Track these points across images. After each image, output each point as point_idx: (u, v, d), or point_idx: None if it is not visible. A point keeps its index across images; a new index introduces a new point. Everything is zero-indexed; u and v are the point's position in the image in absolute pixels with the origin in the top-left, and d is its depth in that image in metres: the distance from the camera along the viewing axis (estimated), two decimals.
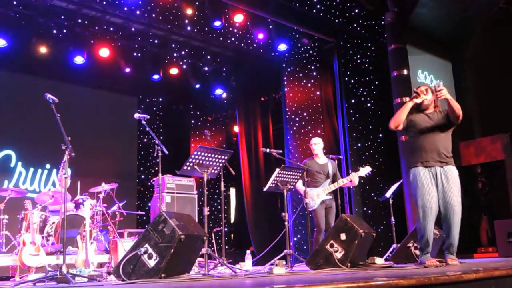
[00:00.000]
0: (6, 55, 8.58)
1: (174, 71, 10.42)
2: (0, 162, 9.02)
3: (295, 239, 9.28)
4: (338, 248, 4.75)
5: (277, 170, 5.78)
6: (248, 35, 9.97)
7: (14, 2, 7.97)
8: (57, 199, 6.68)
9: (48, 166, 9.50)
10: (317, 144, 6.87)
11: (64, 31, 8.76)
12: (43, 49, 8.65)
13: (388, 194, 7.54)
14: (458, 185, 4.66)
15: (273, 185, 5.80)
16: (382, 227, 8.56)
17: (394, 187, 7.58)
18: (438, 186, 4.63)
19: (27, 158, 9.28)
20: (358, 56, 9.67)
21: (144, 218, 10.11)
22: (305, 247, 8.96)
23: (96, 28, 8.90)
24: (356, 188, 8.70)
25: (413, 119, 4.79)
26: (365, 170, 6.85)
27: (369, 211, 8.94)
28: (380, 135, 9.34)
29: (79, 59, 9.12)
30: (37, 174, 9.42)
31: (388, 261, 5.95)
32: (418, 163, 4.71)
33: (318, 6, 9.14)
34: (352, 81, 9.55)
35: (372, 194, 8.89)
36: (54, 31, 8.68)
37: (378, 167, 9.02)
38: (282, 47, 9.87)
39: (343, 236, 4.77)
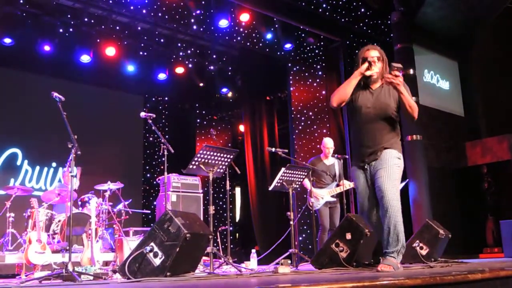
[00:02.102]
0: (12, 54, 8.61)
1: (180, 70, 10.44)
2: (6, 160, 9.06)
3: (300, 238, 9.28)
4: (343, 248, 4.74)
5: (283, 169, 5.78)
6: (254, 34, 9.97)
7: (21, 1, 8.01)
8: (63, 197, 6.70)
9: (54, 164, 9.54)
10: (332, 148, 6.85)
11: (71, 29, 8.79)
12: (49, 48, 8.68)
13: None
14: (389, 168, 3.74)
15: (279, 184, 5.80)
16: None
17: (399, 187, 7.54)
18: (372, 180, 3.84)
19: (33, 156, 9.31)
20: None
21: (150, 216, 10.13)
22: (310, 247, 8.96)
23: (102, 27, 8.92)
24: None
25: (354, 94, 3.93)
26: None
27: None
28: None
29: (85, 58, 9.15)
30: (43, 172, 9.45)
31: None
32: (354, 160, 4.03)
33: (324, 5, 9.13)
34: None
35: None
36: (61, 30, 8.70)
37: None
38: (288, 46, 9.87)
39: (348, 236, 4.76)
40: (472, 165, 9.83)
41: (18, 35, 8.42)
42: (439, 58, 10.25)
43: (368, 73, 3.83)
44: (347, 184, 6.72)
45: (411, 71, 8.96)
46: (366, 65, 3.83)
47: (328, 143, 6.88)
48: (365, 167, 3.89)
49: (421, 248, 5.73)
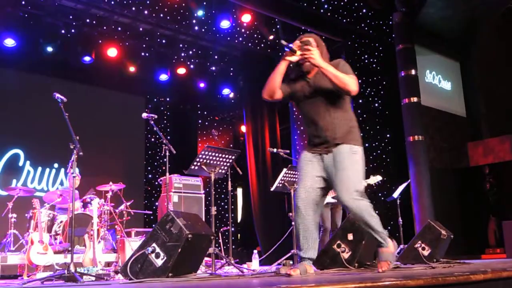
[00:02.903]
0: (15, 55, 8.63)
1: (181, 71, 10.44)
2: (9, 161, 9.07)
3: None
4: (345, 249, 4.73)
5: (284, 170, 5.79)
6: (255, 35, 9.97)
7: (23, 2, 8.02)
8: (65, 198, 6.71)
9: (56, 165, 9.55)
10: None
11: (73, 30, 8.80)
12: (51, 49, 8.69)
13: (396, 194, 7.52)
14: (349, 169, 3.47)
15: (280, 185, 5.81)
16: (389, 228, 8.52)
17: (401, 188, 7.55)
18: (326, 175, 3.59)
19: (35, 157, 9.32)
20: (366, 56, 9.65)
21: (152, 217, 10.14)
22: None
23: (104, 28, 8.93)
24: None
25: (292, 86, 3.72)
26: (375, 179, 6.76)
27: (376, 212, 8.86)
28: (388, 135, 9.32)
29: (87, 59, 9.16)
30: (45, 173, 9.46)
31: (395, 262, 5.93)
32: (306, 145, 3.74)
33: (325, 6, 9.13)
34: (360, 81, 9.42)
35: (380, 194, 8.86)
36: (63, 31, 8.72)
37: (386, 167, 9.01)
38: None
39: (350, 237, 4.76)
40: (474, 165, 9.82)
41: (20, 36, 8.43)
42: (441, 59, 10.25)
43: (292, 58, 3.55)
44: (367, 182, 6.71)
45: (413, 72, 8.96)
46: (288, 51, 3.57)
47: None
48: (317, 155, 3.61)
49: (423, 248, 5.73)
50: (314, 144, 3.62)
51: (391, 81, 9.31)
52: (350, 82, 3.46)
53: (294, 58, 3.55)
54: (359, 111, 9.33)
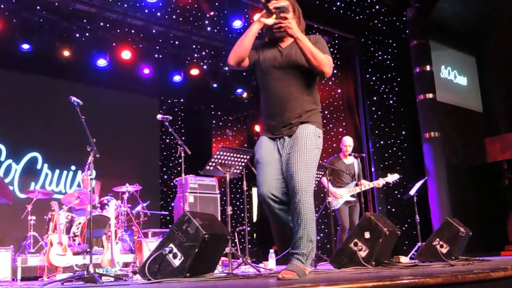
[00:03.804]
0: (30, 59, 8.73)
1: (194, 71, 10.48)
2: (27, 164, 9.19)
3: (318, 238, 9.25)
4: (362, 247, 4.71)
5: None
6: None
7: (38, 7, 8.11)
8: (83, 200, 6.78)
9: (73, 167, 9.65)
10: (350, 146, 6.84)
11: (87, 34, 8.88)
12: (66, 53, 8.79)
13: (412, 192, 7.47)
14: (309, 152, 3.04)
15: None
16: (406, 226, 8.47)
17: (418, 185, 7.50)
18: (282, 160, 3.14)
19: (53, 160, 9.44)
20: (380, 52, 9.59)
21: (168, 218, 10.20)
22: (328, 246, 8.92)
23: (118, 30, 9.00)
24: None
25: (260, 52, 3.27)
26: (393, 177, 6.74)
27: (393, 209, 8.86)
28: (403, 132, 9.24)
29: (101, 62, 9.25)
30: (62, 175, 9.57)
31: (413, 260, 5.89)
32: (264, 131, 3.28)
33: (338, 3, 9.08)
34: (374, 78, 9.47)
35: (396, 192, 8.80)
36: (77, 35, 8.80)
37: (402, 164, 8.95)
38: None
39: (367, 235, 4.73)
40: (492, 161, 9.70)
41: (36, 41, 8.53)
42: (456, 54, 10.14)
43: (268, 21, 3.09)
44: (367, 184, 6.70)
45: (428, 67, 8.88)
46: (264, 11, 3.12)
47: (347, 141, 6.87)
48: (277, 139, 3.18)
49: (441, 246, 5.68)
50: (276, 126, 3.17)
51: (405, 77, 9.24)
52: (325, 62, 3.06)
53: (270, 21, 3.08)
54: (373, 108, 9.28)
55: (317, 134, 3.14)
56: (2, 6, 7.89)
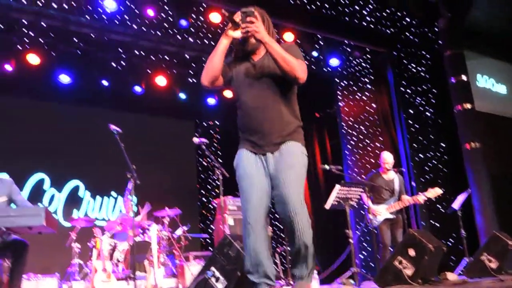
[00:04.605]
0: (71, 90, 9.02)
1: (228, 93, 10.59)
2: (70, 192, 9.43)
3: (361, 256, 9.08)
4: (407, 265, 4.60)
5: (337, 186, 5.71)
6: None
7: (75, 40, 8.39)
8: (125, 226, 6.88)
9: (114, 194, 9.84)
10: (389, 163, 6.73)
11: (123, 63, 9.12)
12: (105, 82, 9.06)
13: (456, 205, 7.26)
14: (298, 170, 2.92)
15: (336, 202, 5.74)
16: (452, 241, 8.22)
17: (461, 198, 7.29)
18: (270, 177, 2.97)
19: (94, 187, 9.65)
20: (413, 64, 9.46)
21: (208, 240, 10.22)
22: (372, 264, 8.75)
23: (152, 58, 9.20)
24: None
25: (233, 68, 3.13)
26: (435, 192, 6.49)
27: (437, 224, 8.62)
28: (443, 144, 9.04)
29: (138, 89, 9.48)
30: (104, 202, 9.77)
31: (461, 276, 5.71)
32: (243, 143, 3.09)
33: (368, 18, 9.04)
34: (409, 90, 9.34)
35: (439, 206, 8.57)
36: (113, 64, 9.05)
37: (443, 178, 8.74)
38: (334, 62, 9.81)
39: (411, 252, 4.62)
40: None
41: (75, 73, 8.85)
42: (493, 62, 9.92)
43: (236, 34, 2.94)
44: (406, 200, 6.54)
45: (464, 77, 8.70)
46: (230, 25, 2.95)
47: (387, 157, 6.75)
48: (259, 154, 3.01)
49: (490, 261, 5.50)
50: (257, 142, 2.99)
51: (441, 88, 9.07)
52: (298, 66, 2.91)
53: (238, 34, 2.93)
54: (410, 121, 9.12)
55: (303, 152, 3.02)
56: (41, 40, 8.20)
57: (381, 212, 6.48)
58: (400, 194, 6.62)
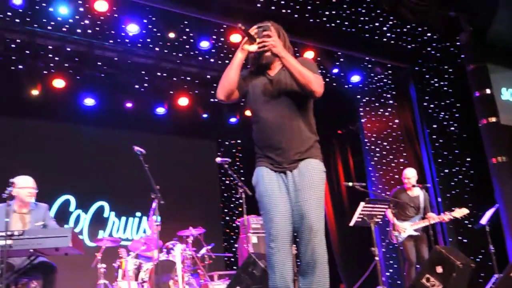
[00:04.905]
0: (95, 113, 9.21)
1: (249, 113, 10.63)
2: (95, 213, 9.55)
3: (388, 273, 8.93)
4: (435, 282, 4.52)
5: (362, 203, 5.67)
6: (319, 70, 9.99)
7: (99, 63, 8.59)
8: (149, 246, 6.92)
9: (138, 214, 9.92)
10: (410, 178, 6.67)
11: (145, 85, 9.28)
12: (128, 104, 9.23)
13: (484, 221, 7.11)
14: (318, 188, 2.91)
15: (360, 219, 5.69)
16: (480, 257, 8.03)
17: (489, 213, 7.14)
18: (290, 196, 2.94)
19: (119, 207, 9.75)
20: (436, 79, 9.39)
21: (232, 259, 10.20)
22: (398, 282, 8.59)
23: (174, 79, 9.34)
24: None
25: (249, 82, 3.11)
26: (461, 212, 6.41)
27: (464, 240, 8.44)
28: (469, 159, 8.90)
29: (160, 110, 9.62)
30: (128, 222, 9.86)
31: None
32: (261, 160, 3.07)
33: (388, 34, 9.04)
34: (432, 105, 9.25)
35: (466, 222, 8.40)
36: (136, 86, 9.22)
37: (470, 193, 8.58)
38: (355, 78, 9.80)
39: (439, 269, 4.54)
40: None
41: (98, 95, 9.05)
42: None
43: (252, 48, 2.93)
44: (432, 219, 6.44)
45: (488, 91, 8.60)
46: (245, 39, 2.95)
47: (408, 173, 6.69)
48: (279, 172, 2.99)
49: None
50: (275, 159, 2.97)
51: (464, 103, 8.97)
52: (314, 80, 2.93)
53: (253, 48, 2.93)
54: (434, 136, 9.02)
55: (322, 169, 3.01)
56: (66, 65, 8.42)
57: (406, 229, 6.39)
58: (426, 210, 6.53)
